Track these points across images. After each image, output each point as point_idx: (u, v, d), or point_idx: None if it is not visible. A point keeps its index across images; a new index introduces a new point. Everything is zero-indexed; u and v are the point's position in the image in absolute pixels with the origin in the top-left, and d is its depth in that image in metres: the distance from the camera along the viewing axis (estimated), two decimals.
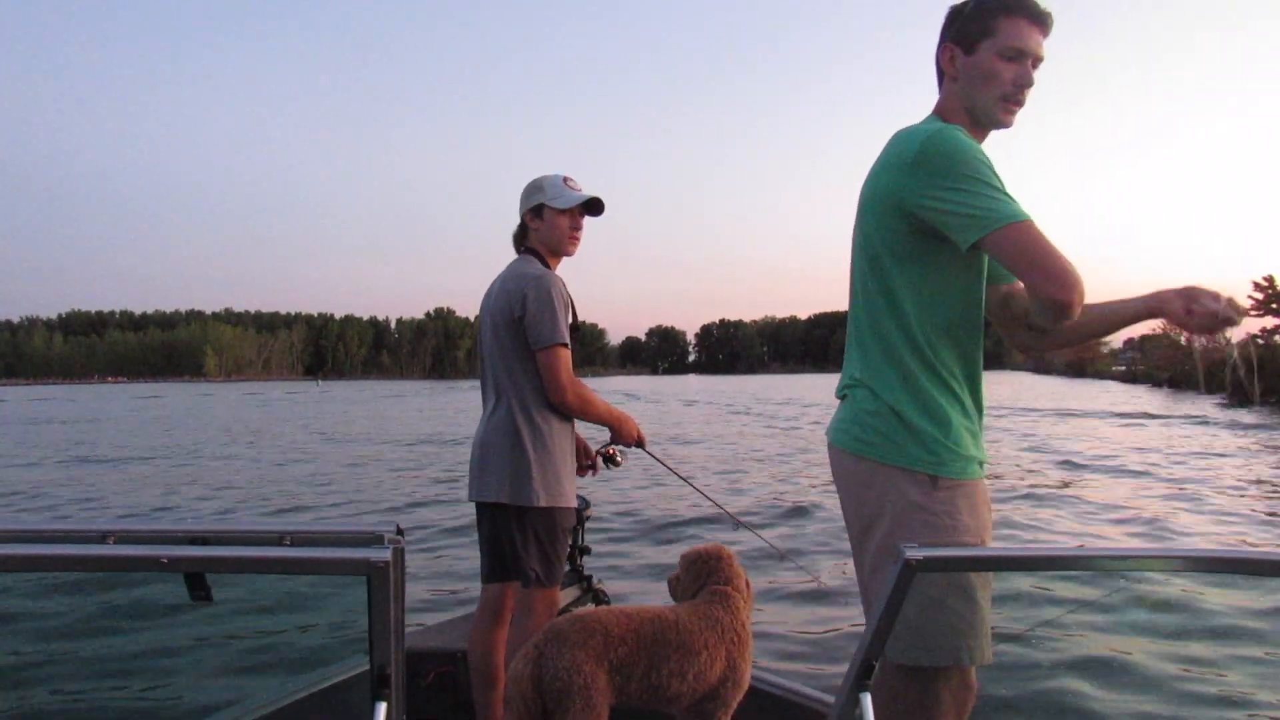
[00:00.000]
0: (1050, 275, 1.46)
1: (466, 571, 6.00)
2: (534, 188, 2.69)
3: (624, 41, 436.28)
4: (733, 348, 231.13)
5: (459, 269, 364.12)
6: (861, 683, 1.39)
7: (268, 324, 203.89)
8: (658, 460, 2.97)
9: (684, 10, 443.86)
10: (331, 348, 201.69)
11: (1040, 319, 1.64)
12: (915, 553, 1.24)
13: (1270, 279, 40.83)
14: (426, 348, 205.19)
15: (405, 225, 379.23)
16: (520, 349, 2.56)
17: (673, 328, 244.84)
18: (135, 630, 4.24)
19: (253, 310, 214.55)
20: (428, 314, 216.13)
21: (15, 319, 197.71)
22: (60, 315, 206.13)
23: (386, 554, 1.03)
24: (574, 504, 2.61)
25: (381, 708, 1.14)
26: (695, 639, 2.15)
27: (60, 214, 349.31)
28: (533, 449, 2.52)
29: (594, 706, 2.02)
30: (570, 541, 2.66)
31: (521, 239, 2.74)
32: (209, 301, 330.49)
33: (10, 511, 9.42)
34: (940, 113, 1.74)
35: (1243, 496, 9.46)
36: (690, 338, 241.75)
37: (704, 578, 2.30)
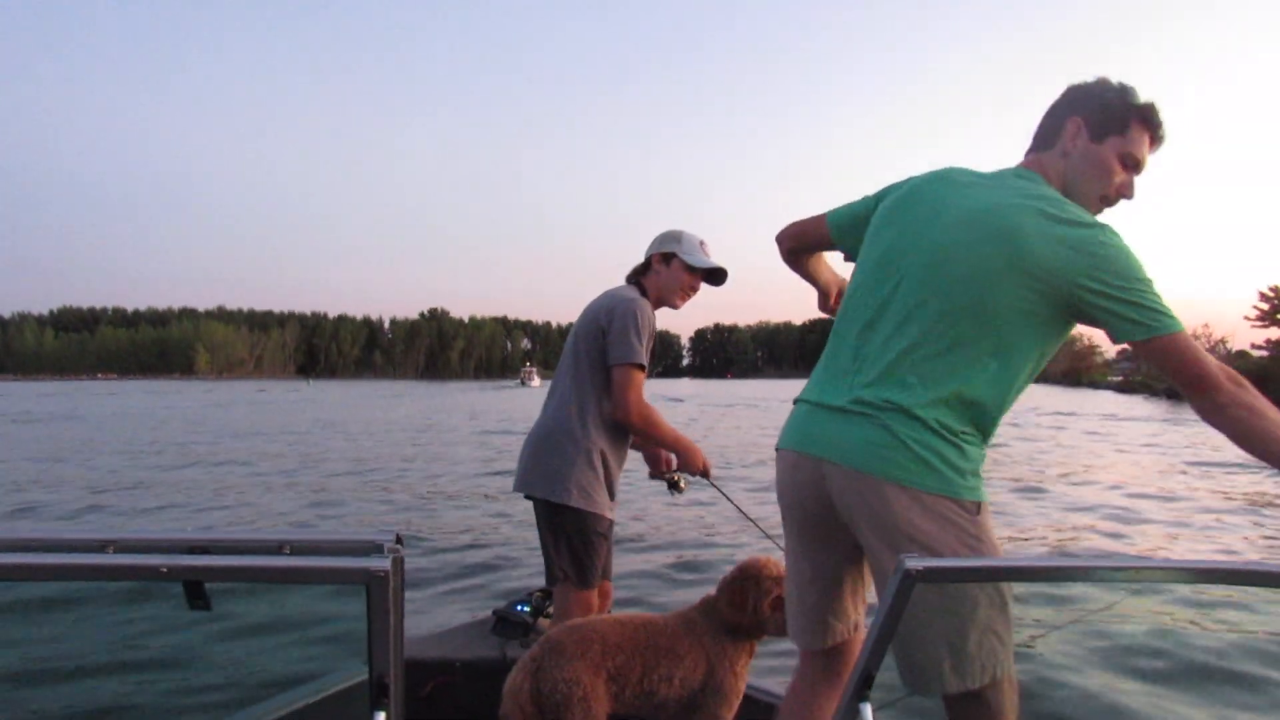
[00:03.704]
0: (1194, 384, 1.53)
1: (467, 581, 5.99)
2: (672, 237, 2.80)
3: (622, 43, 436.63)
4: (727, 352, 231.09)
5: (454, 269, 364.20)
6: (862, 693, 1.40)
7: (260, 322, 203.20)
8: (721, 493, 2.95)
9: (684, 13, 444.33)
10: (324, 347, 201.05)
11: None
12: (916, 563, 1.24)
13: (1276, 289, 41.04)
14: (420, 348, 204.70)
15: (400, 225, 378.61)
16: (596, 359, 2.65)
17: (667, 331, 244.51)
18: (133, 639, 4.20)
19: (245, 308, 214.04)
20: (421, 314, 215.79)
21: (6, 315, 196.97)
22: (52, 311, 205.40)
23: (386, 563, 1.01)
24: (606, 514, 2.65)
25: (380, 717, 1.13)
26: (680, 644, 2.18)
27: (53, 210, 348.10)
28: (577, 452, 2.60)
29: (592, 717, 2.03)
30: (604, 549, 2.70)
31: (639, 274, 2.84)
32: (202, 299, 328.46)
33: (6, 519, 9.36)
34: (1038, 171, 1.71)
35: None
36: (685, 342, 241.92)
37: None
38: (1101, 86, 1.69)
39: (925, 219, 1.69)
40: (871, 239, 1.80)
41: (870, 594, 1.83)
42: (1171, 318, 1.52)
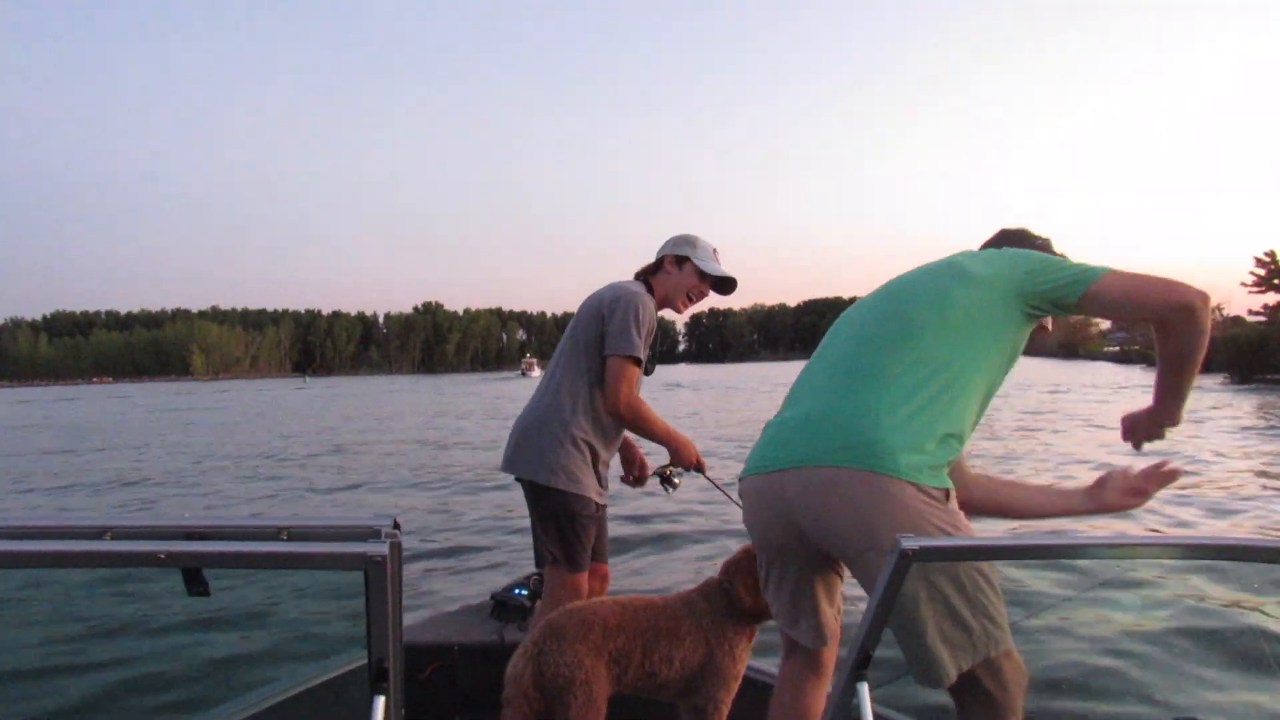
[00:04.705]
0: (1158, 292, 1.65)
1: (465, 566, 6.02)
2: (686, 241, 2.82)
3: (618, 31, 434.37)
4: (723, 336, 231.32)
5: (447, 263, 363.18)
6: (859, 672, 1.40)
7: (255, 321, 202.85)
8: (716, 487, 2.96)
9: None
10: (319, 344, 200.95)
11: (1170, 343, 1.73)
12: (912, 543, 1.25)
13: (1272, 254, 41.07)
14: (415, 342, 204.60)
15: (393, 219, 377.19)
16: (592, 347, 2.65)
17: (662, 317, 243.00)
18: (132, 625, 4.24)
19: (240, 308, 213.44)
20: (416, 308, 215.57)
21: (0, 321, 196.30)
22: (45, 316, 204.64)
23: (384, 548, 1.02)
24: (592, 497, 2.64)
25: (380, 701, 1.14)
26: (680, 626, 2.19)
27: (44, 214, 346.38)
28: (565, 436, 2.59)
29: (594, 700, 2.04)
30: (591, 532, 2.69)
31: (648, 272, 2.85)
32: (195, 300, 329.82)
33: (5, 508, 9.38)
34: None
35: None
36: (680, 326, 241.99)
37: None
38: (1032, 236, 2.06)
39: (879, 289, 1.95)
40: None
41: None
42: (1093, 266, 1.73)
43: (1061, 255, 1.98)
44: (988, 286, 1.75)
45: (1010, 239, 2.07)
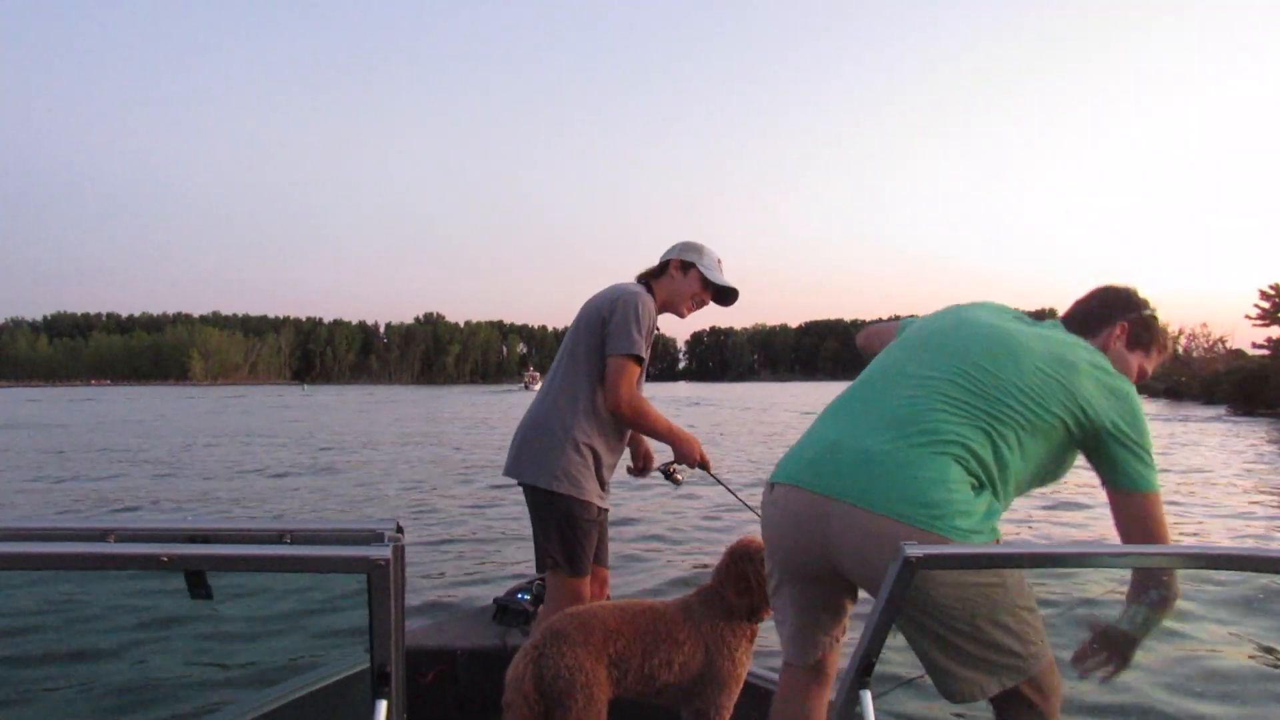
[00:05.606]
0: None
1: (467, 570, 6.03)
2: (693, 248, 2.84)
3: (622, 44, 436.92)
4: (723, 355, 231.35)
5: (449, 274, 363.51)
6: (862, 680, 1.42)
7: (255, 327, 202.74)
8: (720, 482, 2.98)
9: (683, 14, 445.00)
10: (319, 352, 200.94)
11: None
12: (916, 550, 1.26)
13: (1277, 287, 41.03)
14: (415, 353, 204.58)
15: (396, 229, 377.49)
16: (594, 348, 2.66)
17: (664, 334, 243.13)
18: (135, 628, 4.23)
19: (240, 314, 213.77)
20: (417, 319, 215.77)
21: (0, 320, 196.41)
22: (46, 317, 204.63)
23: (386, 552, 1.03)
24: (595, 501, 2.65)
25: (382, 706, 1.14)
26: (679, 630, 2.21)
27: (47, 215, 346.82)
28: (566, 439, 2.60)
29: (594, 703, 2.05)
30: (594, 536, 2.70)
31: (652, 276, 2.85)
32: (196, 304, 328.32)
33: (9, 510, 9.36)
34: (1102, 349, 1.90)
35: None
36: (680, 345, 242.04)
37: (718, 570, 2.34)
38: (1140, 302, 1.97)
39: (992, 329, 1.84)
40: (933, 321, 1.97)
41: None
42: (1156, 477, 1.74)
43: (1164, 328, 2.00)
44: (1090, 425, 1.71)
45: (1112, 301, 1.98)
